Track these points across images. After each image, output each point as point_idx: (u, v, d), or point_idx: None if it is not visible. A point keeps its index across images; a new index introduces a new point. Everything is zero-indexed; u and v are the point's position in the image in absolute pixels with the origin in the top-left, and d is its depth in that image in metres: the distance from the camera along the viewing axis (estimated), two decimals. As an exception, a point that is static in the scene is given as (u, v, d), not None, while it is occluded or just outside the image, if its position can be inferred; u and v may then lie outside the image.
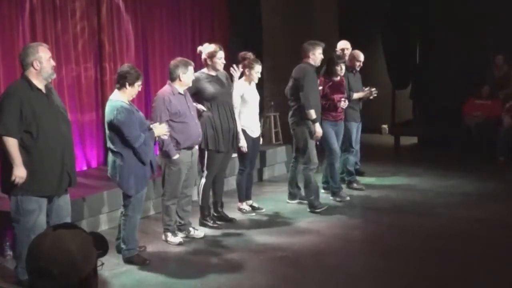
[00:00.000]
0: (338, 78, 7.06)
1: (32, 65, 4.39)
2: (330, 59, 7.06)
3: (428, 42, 11.13)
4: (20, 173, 4.33)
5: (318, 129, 6.65)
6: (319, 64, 6.81)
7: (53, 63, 4.52)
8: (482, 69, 10.12)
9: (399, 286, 4.72)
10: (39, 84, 4.44)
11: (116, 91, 5.08)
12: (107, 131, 5.07)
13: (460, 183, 8.04)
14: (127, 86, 4.99)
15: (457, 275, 4.85)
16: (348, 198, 7.22)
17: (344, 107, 7.08)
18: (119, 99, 5.01)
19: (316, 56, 6.67)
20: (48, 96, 4.53)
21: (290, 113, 6.78)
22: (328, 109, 7.02)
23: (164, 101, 5.47)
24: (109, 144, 5.08)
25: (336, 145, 7.12)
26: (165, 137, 5.33)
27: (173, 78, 5.56)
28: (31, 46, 4.54)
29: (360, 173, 8.36)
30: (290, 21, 10.93)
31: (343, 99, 7.03)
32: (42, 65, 4.40)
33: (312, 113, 6.55)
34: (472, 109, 10.02)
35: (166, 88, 5.62)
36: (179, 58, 5.70)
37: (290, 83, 6.74)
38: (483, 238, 5.77)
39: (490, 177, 8.31)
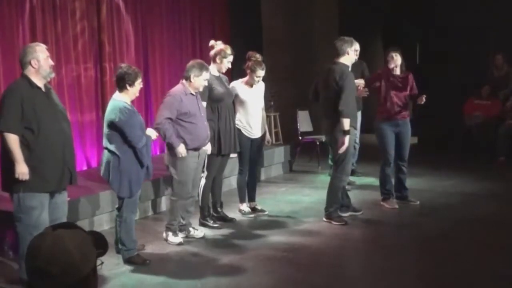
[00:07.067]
0: (398, 72, 6.68)
1: (30, 64, 4.43)
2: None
3: (428, 42, 11.13)
4: (22, 169, 4.35)
5: (346, 142, 6.00)
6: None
7: (51, 62, 4.56)
8: (482, 69, 10.12)
9: (399, 286, 4.71)
10: (39, 82, 4.48)
11: (117, 91, 5.08)
12: (105, 130, 5.03)
13: (460, 183, 8.03)
14: (128, 87, 4.99)
15: (457, 275, 4.84)
16: (397, 206, 6.82)
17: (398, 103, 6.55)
18: (122, 99, 5.01)
19: (354, 53, 6.19)
20: (48, 95, 4.56)
21: (331, 119, 6.13)
22: (381, 106, 6.53)
23: (176, 100, 5.48)
24: (105, 143, 5.04)
25: (391, 151, 6.67)
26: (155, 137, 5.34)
27: (185, 77, 5.58)
28: (30, 46, 4.62)
29: (353, 172, 8.26)
30: (290, 21, 10.94)
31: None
32: (40, 63, 4.44)
33: (347, 123, 5.97)
34: (472, 109, 10.03)
35: (179, 87, 5.63)
36: (198, 60, 5.74)
37: (331, 86, 6.07)
38: (483, 238, 5.77)
39: (490, 177, 8.31)
